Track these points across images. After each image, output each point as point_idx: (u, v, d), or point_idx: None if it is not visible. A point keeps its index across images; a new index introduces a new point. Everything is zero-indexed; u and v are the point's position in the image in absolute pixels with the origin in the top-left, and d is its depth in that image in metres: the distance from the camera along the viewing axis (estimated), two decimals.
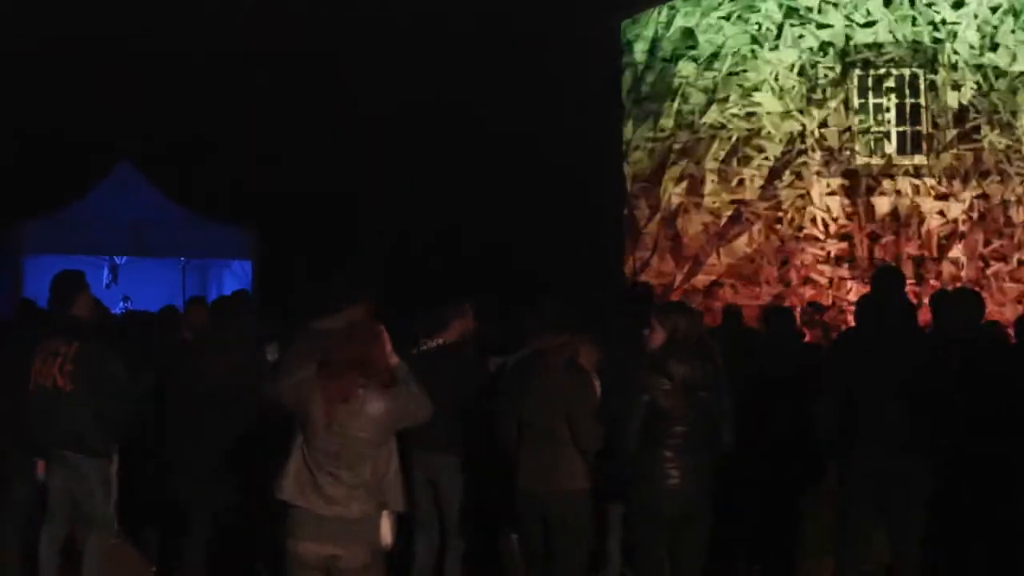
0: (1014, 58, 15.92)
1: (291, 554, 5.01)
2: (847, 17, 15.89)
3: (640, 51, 17.60)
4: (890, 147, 15.98)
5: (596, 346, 6.36)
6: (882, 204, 15.74)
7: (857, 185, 15.80)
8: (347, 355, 4.92)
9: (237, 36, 21.72)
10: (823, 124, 15.88)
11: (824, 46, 15.91)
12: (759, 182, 16.08)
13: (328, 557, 4.96)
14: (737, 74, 16.27)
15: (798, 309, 13.14)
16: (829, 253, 15.79)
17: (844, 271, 15.72)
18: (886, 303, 6.29)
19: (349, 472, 4.89)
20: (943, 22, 15.80)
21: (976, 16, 15.83)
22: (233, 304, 8.06)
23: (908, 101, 15.95)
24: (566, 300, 6.99)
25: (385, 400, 4.94)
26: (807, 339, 9.98)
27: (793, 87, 15.98)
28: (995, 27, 15.93)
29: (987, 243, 15.79)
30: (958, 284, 14.51)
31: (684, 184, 16.64)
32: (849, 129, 15.90)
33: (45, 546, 6.57)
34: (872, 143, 16.04)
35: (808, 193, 15.87)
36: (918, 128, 15.93)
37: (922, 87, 15.87)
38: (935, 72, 15.79)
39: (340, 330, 5.24)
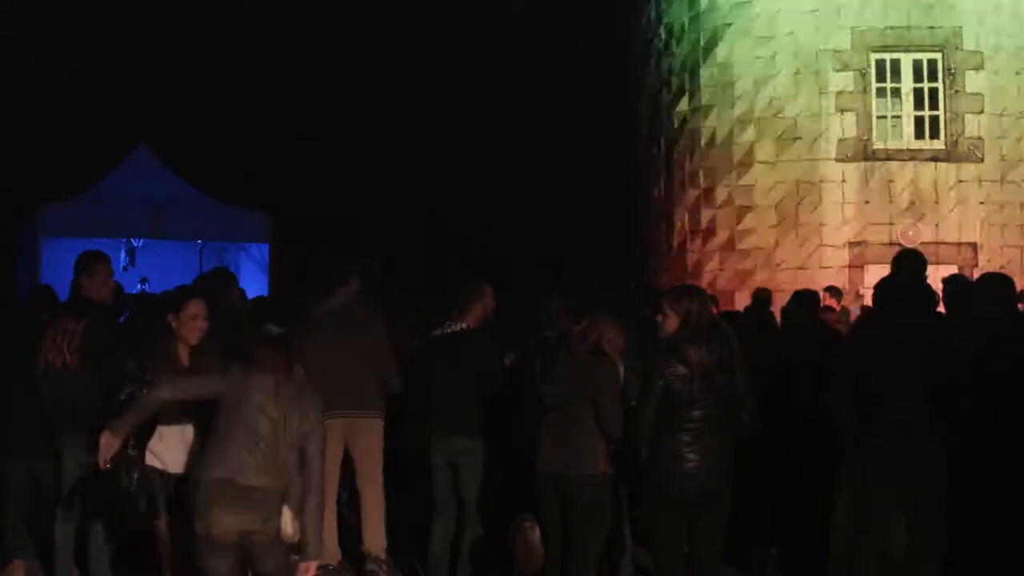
0: None
1: (204, 537, 5.03)
2: (865, 0, 15.79)
3: (659, 39, 17.56)
4: (908, 131, 15.90)
5: (621, 331, 6.34)
6: (899, 189, 15.66)
7: (874, 170, 15.73)
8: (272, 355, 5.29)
9: (254, 24, 21.74)
10: (840, 108, 15.80)
11: (842, 30, 15.82)
12: (777, 166, 16.03)
13: (242, 533, 5.04)
14: (756, 59, 16.20)
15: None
16: (846, 238, 15.73)
17: (861, 255, 15.65)
18: (906, 286, 6.26)
19: (266, 445, 5.09)
20: (962, 5, 15.69)
21: None
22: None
23: (926, 85, 15.86)
24: (590, 285, 6.97)
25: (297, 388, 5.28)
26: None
27: (811, 71, 15.90)
28: (1015, 8, 15.83)
29: (1007, 229, 15.71)
30: (975, 270, 14.44)
31: (703, 170, 16.62)
32: (867, 113, 15.81)
33: (60, 527, 6.57)
34: (890, 127, 15.95)
35: (825, 177, 15.81)
36: (936, 112, 15.83)
37: (940, 71, 15.77)
38: (954, 55, 15.69)
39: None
